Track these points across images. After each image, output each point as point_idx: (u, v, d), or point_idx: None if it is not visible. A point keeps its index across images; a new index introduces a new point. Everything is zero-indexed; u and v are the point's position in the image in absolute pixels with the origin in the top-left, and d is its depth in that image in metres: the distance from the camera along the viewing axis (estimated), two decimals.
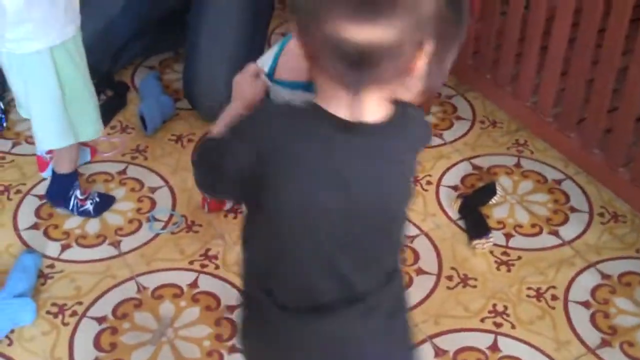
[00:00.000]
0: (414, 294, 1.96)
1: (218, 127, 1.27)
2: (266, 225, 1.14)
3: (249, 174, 1.08)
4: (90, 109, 2.05)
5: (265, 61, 1.40)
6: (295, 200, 1.08)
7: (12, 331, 1.85)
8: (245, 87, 1.33)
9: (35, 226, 2.15)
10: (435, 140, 2.47)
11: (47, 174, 2.25)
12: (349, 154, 1.07)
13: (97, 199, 2.18)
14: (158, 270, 2.02)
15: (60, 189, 2.13)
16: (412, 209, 2.21)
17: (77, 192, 2.14)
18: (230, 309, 1.92)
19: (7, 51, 1.88)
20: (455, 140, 2.48)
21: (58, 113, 1.97)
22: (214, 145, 1.16)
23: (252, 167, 1.07)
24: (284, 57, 1.36)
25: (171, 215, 2.18)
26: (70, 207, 2.14)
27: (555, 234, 2.15)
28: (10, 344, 1.83)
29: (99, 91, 2.60)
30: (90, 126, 2.06)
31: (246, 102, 1.31)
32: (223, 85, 2.42)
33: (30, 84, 1.91)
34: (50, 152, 2.20)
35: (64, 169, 2.11)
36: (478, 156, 2.42)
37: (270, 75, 1.37)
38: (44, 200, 2.21)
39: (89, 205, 2.16)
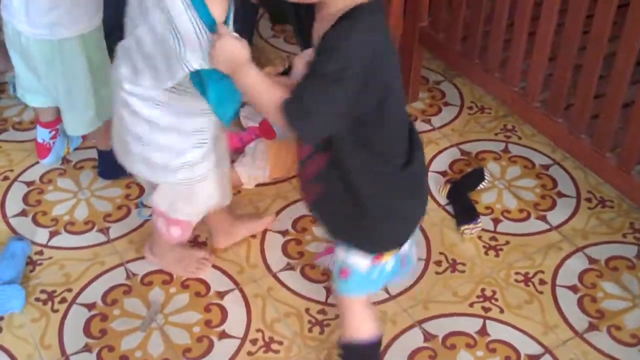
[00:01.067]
0: (404, 280, 1.97)
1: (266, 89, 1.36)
2: (388, 122, 1.40)
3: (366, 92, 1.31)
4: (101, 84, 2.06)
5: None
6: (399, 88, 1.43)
7: (1, 318, 1.85)
8: (232, 47, 1.39)
9: (23, 213, 2.14)
10: (424, 126, 2.48)
11: (48, 160, 2.25)
12: None
13: None
14: None
15: (111, 163, 2.05)
16: None
17: None
18: (220, 295, 1.92)
19: (40, 37, 1.88)
20: (443, 126, 2.49)
21: (88, 99, 2.01)
22: (321, 90, 1.29)
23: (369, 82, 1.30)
24: None
25: None
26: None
27: (543, 219, 2.16)
28: None
29: None
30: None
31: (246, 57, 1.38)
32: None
33: (63, 70, 1.94)
34: (53, 137, 2.22)
35: (109, 144, 2.10)
36: (466, 142, 2.42)
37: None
38: (32, 187, 2.21)
39: None
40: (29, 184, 2.22)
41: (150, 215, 2.12)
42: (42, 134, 2.22)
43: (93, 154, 2.33)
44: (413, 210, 1.55)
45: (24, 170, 2.27)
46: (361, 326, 1.63)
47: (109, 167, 2.16)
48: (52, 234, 2.08)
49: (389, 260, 1.55)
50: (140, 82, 1.56)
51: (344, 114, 1.33)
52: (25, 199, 2.18)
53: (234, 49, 1.39)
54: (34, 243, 2.05)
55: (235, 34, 1.42)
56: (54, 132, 2.22)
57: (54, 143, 2.24)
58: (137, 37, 1.51)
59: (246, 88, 1.38)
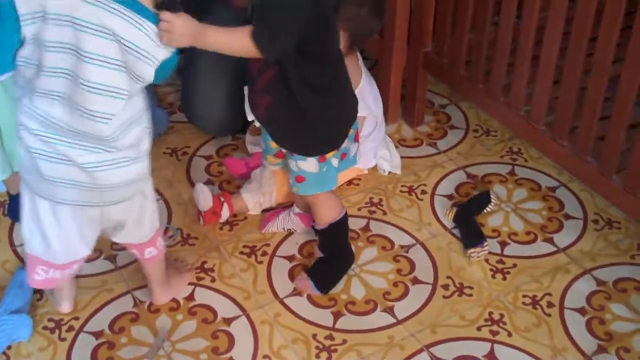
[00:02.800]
0: (410, 304, 1.97)
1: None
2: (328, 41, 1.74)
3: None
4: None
5: None
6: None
7: (9, 347, 1.85)
8: (181, 23, 1.53)
9: None
10: (429, 150, 2.49)
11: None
12: None
13: None
14: None
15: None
16: (407, 218, 2.22)
17: None
18: (227, 321, 1.92)
19: None
20: (449, 149, 2.49)
21: None
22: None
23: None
24: None
25: (167, 228, 2.18)
26: None
27: (550, 241, 2.16)
28: None
29: None
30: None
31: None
32: (222, 103, 2.44)
33: None
34: None
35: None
36: (472, 165, 2.43)
37: None
38: None
39: None
40: None
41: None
42: None
43: None
44: (342, 114, 1.84)
45: None
46: (331, 212, 1.96)
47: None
48: None
49: (332, 157, 1.84)
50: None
51: (301, 32, 1.61)
52: None
53: (183, 24, 1.53)
54: None
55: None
56: None
57: None
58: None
59: (214, 45, 1.62)
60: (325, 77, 1.75)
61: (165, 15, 1.52)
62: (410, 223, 2.20)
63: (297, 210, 2.15)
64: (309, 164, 1.85)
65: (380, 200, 2.29)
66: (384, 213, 2.24)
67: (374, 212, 2.25)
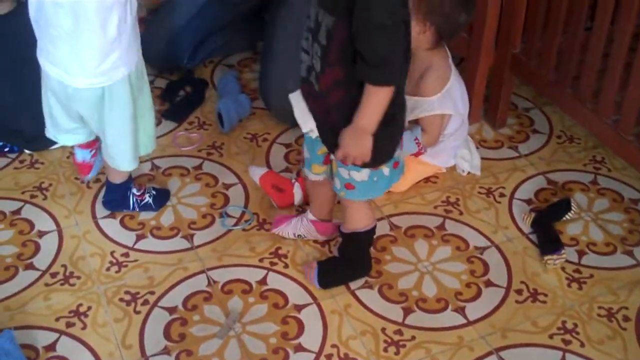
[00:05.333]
0: (482, 306, 1.95)
1: None
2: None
3: None
4: (152, 124, 2.08)
5: None
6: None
7: (86, 316, 1.91)
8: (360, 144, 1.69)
9: (112, 215, 2.21)
10: (510, 153, 2.45)
11: (90, 176, 2.24)
12: None
13: (154, 192, 2.22)
14: (228, 266, 2.05)
15: (119, 196, 2.18)
16: (483, 220, 2.20)
17: (134, 190, 2.19)
18: (298, 308, 1.94)
19: (92, 86, 1.87)
20: (530, 153, 2.46)
21: (133, 135, 2.01)
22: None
23: None
24: None
25: (243, 213, 2.21)
26: (131, 206, 2.19)
27: (630, 254, 2.10)
28: (84, 328, 1.88)
29: (178, 87, 2.71)
30: (149, 140, 2.10)
31: None
32: (293, 85, 2.45)
33: (110, 112, 1.92)
34: (94, 155, 2.20)
35: (121, 178, 2.16)
36: (553, 171, 2.38)
37: None
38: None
39: (148, 199, 2.20)
40: None
41: (234, 226, 2.16)
42: (83, 155, 2.19)
43: (182, 162, 2.40)
44: (400, 123, 1.79)
45: None
46: (361, 219, 1.93)
47: (114, 199, 2.20)
48: (138, 238, 2.14)
49: (384, 167, 1.80)
50: None
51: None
52: None
53: (351, 145, 1.67)
54: (120, 245, 2.11)
55: None
56: (94, 151, 2.20)
57: (94, 161, 2.22)
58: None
59: (375, 124, 1.64)
60: (397, 94, 1.70)
61: (339, 155, 1.69)
62: (487, 225, 2.18)
63: (311, 217, 2.10)
64: (361, 174, 1.81)
65: (457, 200, 2.27)
66: (461, 213, 2.22)
67: (450, 211, 2.23)
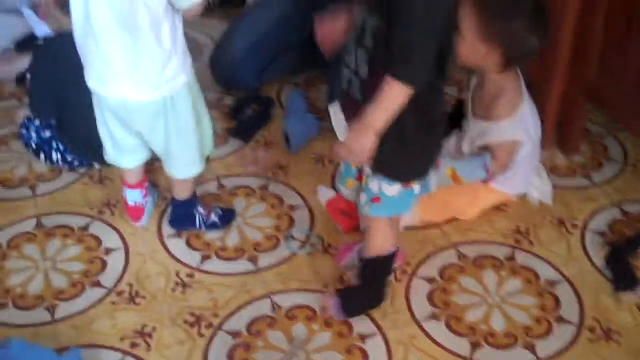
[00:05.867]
0: (553, 343, 1.89)
1: None
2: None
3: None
4: (210, 127, 2.10)
5: None
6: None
7: (150, 337, 1.91)
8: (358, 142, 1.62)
9: (178, 234, 2.21)
10: (583, 181, 2.38)
11: (143, 222, 2.21)
12: None
13: (220, 212, 2.22)
14: (293, 291, 2.03)
15: (185, 213, 2.18)
16: (555, 252, 2.14)
17: (200, 209, 2.19)
18: (362, 337, 1.90)
19: (153, 99, 1.88)
20: (604, 183, 2.38)
21: (197, 139, 2.03)
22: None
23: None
24: None
25: (309, 236, 2.19)
26: (198, 224, 2.19)
27: None
28: (148, 349, 1.88)
29: (245, 106, 2.71)
30: (210, 140, 2.11)
31: None
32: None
33: (176, 121, 1.94)
34: (145, 196, 2.19)
35: (187, 193, 2.16)
36: (629, 202, 2.30)
37: None
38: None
39: (214, 218, 2.20)
40: None
41: (299, 249, 2.14)
42: (134, 196, 2.17)
43: (248, 181, 2.39)
44: (439, 141, 1.77)
45: None
46: (384, 244, 1.88)
47: (182, 217, 2.19)
48: (204, 258, 2.13)
49: (415, 185, 1.75)
50: None
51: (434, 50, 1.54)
52: None
53: (352, 141, 1.62)
54: (185, 265, 2.11)
55: None
56: (144, 191, 2.20)
57: (146, 203, 2.21)
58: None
59: (384, 122, 1.58)
60: (437, 103, 1.70)
61: (336, 147, 1.66)
62: (558, 257, 2.12)
63: None
64: (393, 189, 1.76)
65: (528, 229, 2.21)
66: (531, 244, 2.16)
67: (520, 241, 2.17)
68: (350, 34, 1.68)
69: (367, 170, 1.77)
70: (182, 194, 2.16)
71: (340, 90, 1.75)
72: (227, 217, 2.24)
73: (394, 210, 1.84)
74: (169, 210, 2.24)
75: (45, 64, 2.29)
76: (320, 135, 2.57)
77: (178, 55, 1.87)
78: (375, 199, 1.79)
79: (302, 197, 2.33)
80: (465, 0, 2.02)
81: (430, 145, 1.74)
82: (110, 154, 2.11)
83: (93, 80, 1.92)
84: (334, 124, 1.83)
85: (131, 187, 2.17)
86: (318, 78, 2.87)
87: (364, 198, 1.82)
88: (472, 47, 2.02)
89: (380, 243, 1.88)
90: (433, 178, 1.83)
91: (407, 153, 1.71)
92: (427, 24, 1.49)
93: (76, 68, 2.20)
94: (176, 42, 1.85)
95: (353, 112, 1.70)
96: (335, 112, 1.80)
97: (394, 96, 1.55)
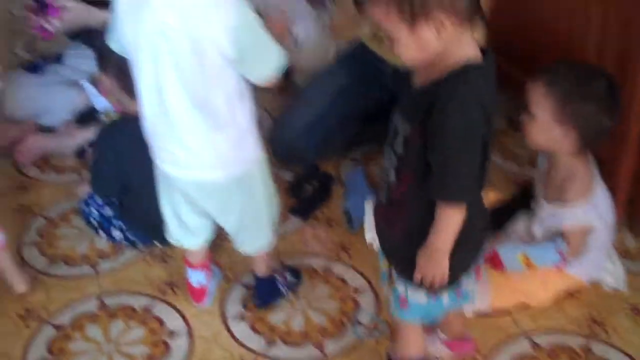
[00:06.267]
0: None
1: None
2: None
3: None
4: (277, 199, 2.09)
5: None
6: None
7: None
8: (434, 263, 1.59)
9: (241, 315, 2.17)
10: None
11: (206, 303, 2.18)
12: None
13: (289, 271, 2.21)
14: None
15: (270, 287, 2.16)
16: (633, 343, 2.06)
17: (278, 277, 2.17)
18: None
19: (230, 176, 1.87)
20: None
21: (268, 213, 2.02)
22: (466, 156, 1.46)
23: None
24: None
25: (375, 321, 2.14)
26: (283, 292, 2.18)
27: None
28: None
29: (305, 182, 2.68)
30: (277, 214, 2.10)
31: None
32: None
33: (252, 196, 1.93)
34: (209, 277, 2.17)
35: (270, 267, 2.15)
36: None
37: None
38: (251, 290, 2.23)
39: (290, 277, 2.19)
40: (248, 287, 2.25)
41: (366, 336, 2.09)
42: (198, 277, 2.15)
43: (310, 261, 2.35)
44: (469, 244, 1.62)
45: (244, 272, 2.30)
46: (411, 349, 1.81)
47: (268, 293, 2.17)
48: (268, 342, 2.09)
49: (445, 293, 1.65)
50: None
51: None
52: (243, 302, 2.22)
53: (430, 267, 1.57)
54: (250, 350, 2.06)
55: None
56: (208, 272, 2.17)
57: (209, 284, 2.18)
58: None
59: (449, 245, 1.55)
60: (473, 212, 1.58)
61: (416, 277, 1.60)
62: (637, 349, 2.04)
63: (442, 336, 1.99)
64: (418, 296, 1.67)
65: (602, 318, 2.14)
66: (607, 333, 2.09)
67: (595, 330, 2.10)
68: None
69: (394, 271, 1.71)
70: (264, 268, 2.14)
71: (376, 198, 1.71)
72: (298, 275, 2.25)
73: (421, 316, 1.76)
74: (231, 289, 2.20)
75: (109, 144, 2.29)
76: None
77: (253, 131, 1.86)
78: (402, 303, 1.72)
79: (367, 279, 2.28)
80: (538, 82, 2.00)
81: (462, 255, 1.61)
82: (175, 235, 2.09)
83: (164, 162, 1.91)
84: (366, 220, 1.76)
85: (195, 267, 2.14)
86: (376, 152, 2.84)
87: (392, 299, 1.76)
88: (546, 128, 2.00)
89: (407, 347, 1.82)
90: (471, 286, 1.72)
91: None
92: (465, 144, 1.45)
93: (140, 149, 2.21)
94: (250, 119, 1.85)
95: (379, 213, 1.69)
96: (368, 213, 1.75)
97: (449, 217, 1.52)
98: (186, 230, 2.06)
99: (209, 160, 1.85)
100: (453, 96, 1.43)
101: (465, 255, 1.65)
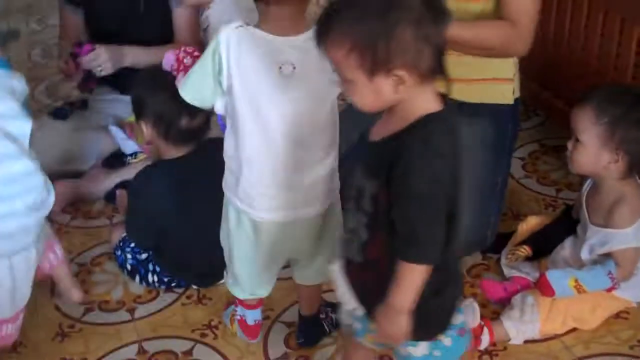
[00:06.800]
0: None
1: None
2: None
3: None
4: None
5: None
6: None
7: None
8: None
9: (284, 356, 2.12)
10: None
11: (258, 339, 2.15)
12: None
13: (328, 306, 2.14)
14: None
15: (315, 326, 2.12)
16: None
17: (324, 315, 2.13)
18: None
19: (315, 213, 1.84)
20: None
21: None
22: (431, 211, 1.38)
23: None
24: None
25: None
26: (327, 329, 2.13)
27: None
28: None
29: None
30: None
31: None
32: (466, 217, 2.35)
33: (330, 227, 1.88)
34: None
35: (318, 303, 2.11)
36: None
37: None
38: (292, 329, 2.19)
39: (330, 314, 2.12)
40: (289, 324, 2.21)
41: None
42: (255, 315, 2.09)
43: None
44: (454, 289, 1.57)
45: (283, 312, 2.25)
46: None
47: (313, 332, 2.12)
48: None
49: (443, 337, 1.55)
50: None
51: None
52: (286, 341, 2.17)
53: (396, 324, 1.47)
54: None
55: None
56: (262, 309, 2.12)
57: (262, 320, 2.14)
58: None
59: (407, 302, 1.45)
60: (446, 264, 1.50)
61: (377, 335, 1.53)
62: None
63: None
64: (420, 349, 1.57)
65: None
66: None
67: None
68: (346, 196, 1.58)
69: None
70: (313, 306, 2.09)
71: (341, 255, 1.60)
72: (336, 308, 2.15)
73: None
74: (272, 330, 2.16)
75: (144, 190, 2.26)
76: None
77: (335, 163, 1.84)
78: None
79: None
80: (585, 108, 1.99)
81: (445, 303, 1.55)
82: (248, 289, 1.99)
83: (257, 210, 1.81)
84: (338, 290, 1.64)
85: (252, 307, 2.08)
86: None
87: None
88: (594, 155, 1.98)
89: None
90: (471, 319, 1.68)
91: (416, 315, 1.48)
92: (426, 203, 1.38)
93: (175, 192, 2.20)
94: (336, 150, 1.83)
95: (353, 274, 1.57)
96: (338, 277, 1.62)
97: (411, 276, 1.42)
98: (260, 280, 1.98)
99: (304, 198, 1.80)
100: (413, 153, 1.36)
101: (450, 301, 1.57)
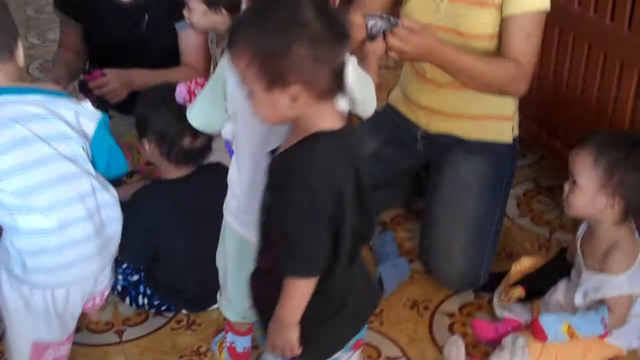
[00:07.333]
0: None
1: None
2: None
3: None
4: None
5: None
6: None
7: None
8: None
9: None
10: None
11: None
12: None
13: None
14: None
15: None
16: None
17: None
18: None
19: None
20: None
21: None
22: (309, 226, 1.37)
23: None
24: None
25: None
26: None
27: None
28: None
29: None
30: None
31: None
32: (460, 254, 2.36)
33: None
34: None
35: None
36: None
37: None
38: None
39: None
40: None
41: None
42: (244, 342, 2.07)
43: None
44: (348, 322, 1.56)
45: None
46: None
47: None
48: None
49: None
50: None
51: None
52: None
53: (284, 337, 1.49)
54: None
55: None
56: (251, 337, 2.10)
57: (252, 348, 2.11)
58: None
59: (292, 316, 1.47)
60: (334, 287, 1.49)
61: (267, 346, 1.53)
62: None
63: None
64: None
65: None
66: None
67: None
68: None
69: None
70: None
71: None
72: None
73: None
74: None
75: (140, 212, 2.24)
76: (411, 279, 2.48)
77: None
78: None
79: (400, 348, 2.22)
80: (583, 151, 1.99)
81: (335, 329, 1.54)
82: (242, 312, 1.93)
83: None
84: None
85: (243, 334, 2.06)
86: (404, 216, 2.81)
87: None
88: (591, 198, 1.98)
89: None
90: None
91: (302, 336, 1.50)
92: (306, 220, 1.37)
93: (170, 215, 2.18)
94: None
95: (252, 280, 1.59)
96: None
97: (293, 290, 1.43)
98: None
99: None
100: (294, 168, 1.37)
101: (341, 329, 1.56)
